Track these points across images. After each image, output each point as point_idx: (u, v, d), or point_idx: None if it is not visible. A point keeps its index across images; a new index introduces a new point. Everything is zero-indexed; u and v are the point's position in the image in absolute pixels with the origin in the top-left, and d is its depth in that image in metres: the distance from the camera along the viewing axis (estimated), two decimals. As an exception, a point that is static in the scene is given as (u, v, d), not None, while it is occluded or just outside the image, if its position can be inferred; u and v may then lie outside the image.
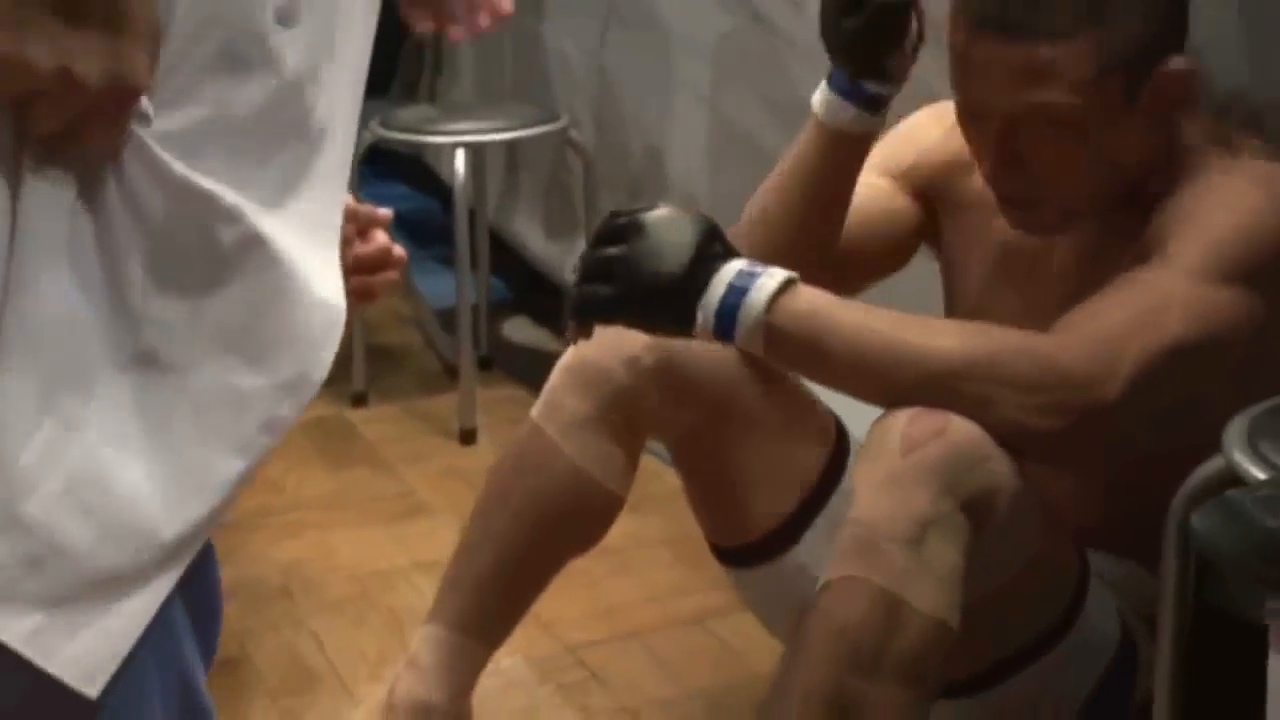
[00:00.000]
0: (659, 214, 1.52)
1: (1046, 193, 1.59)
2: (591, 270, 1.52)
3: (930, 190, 1.79)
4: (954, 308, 1.80)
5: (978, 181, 1.69)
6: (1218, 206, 1.53)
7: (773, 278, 1.49)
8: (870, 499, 1.44)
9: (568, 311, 1.56)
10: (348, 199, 1.19)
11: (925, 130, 1.77)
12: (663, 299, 1.49)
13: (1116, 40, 1.52)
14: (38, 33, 0.81)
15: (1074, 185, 1.58)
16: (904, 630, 1.42)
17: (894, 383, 1.47)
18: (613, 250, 1.51)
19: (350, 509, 2.65)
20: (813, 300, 1.50)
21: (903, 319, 1.50)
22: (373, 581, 2.41)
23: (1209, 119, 1.66)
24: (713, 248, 1.51)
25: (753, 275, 1.49)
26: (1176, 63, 1.55)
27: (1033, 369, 1.46)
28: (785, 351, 1.50)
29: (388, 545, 2.51)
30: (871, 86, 1.66)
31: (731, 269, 1.49)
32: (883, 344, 1.48)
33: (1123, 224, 1.61)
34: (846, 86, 1.66)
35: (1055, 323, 1.51)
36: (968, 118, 1.61)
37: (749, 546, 1.74)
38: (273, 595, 2.34)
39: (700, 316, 1.48)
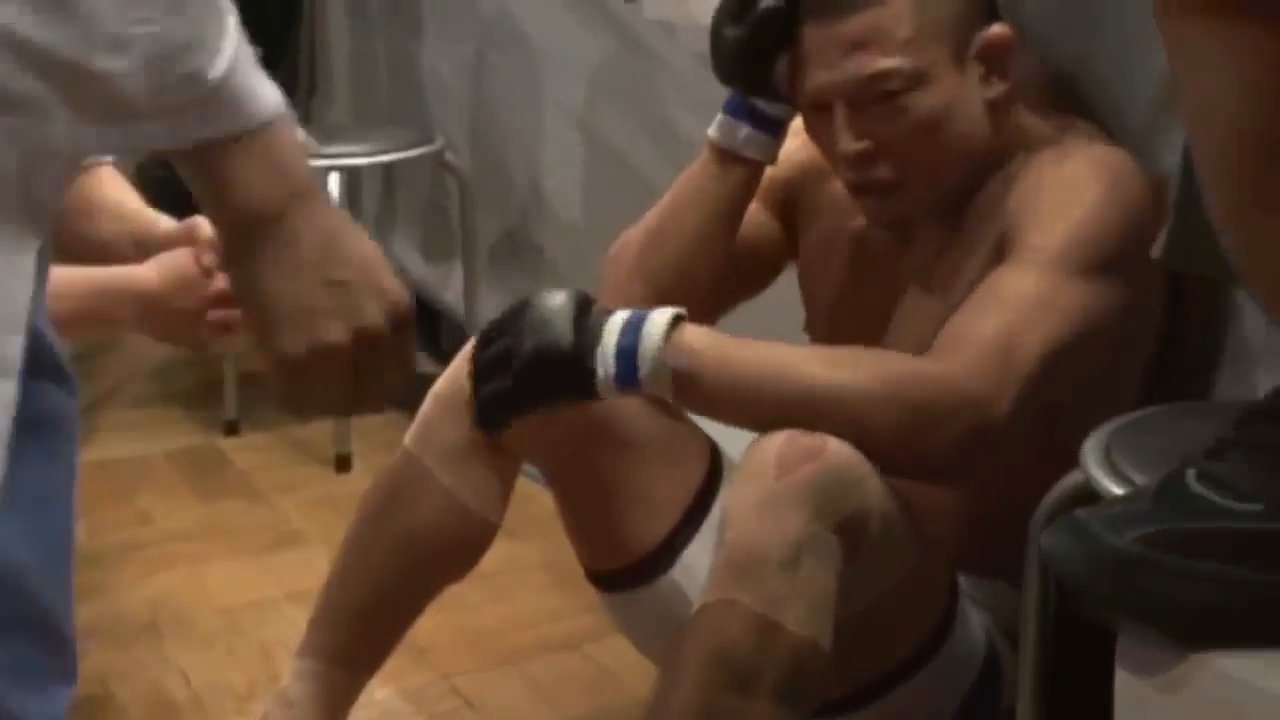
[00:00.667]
0: (530, 299, 1.55)
1: (897, 176, 1.62)
2: (485, 370, 1.55)
3: (788, 201, 1.81)
4: (813, 312, 1.82)
5: (831, 187, 1.71)
6: (1066, 200, 1.56)
7: (661, 315, 1.52)
8: (745, 521, 1.45)
9: (474, 421, 1.59)
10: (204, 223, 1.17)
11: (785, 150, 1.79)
12: (560, 369, 1.51)
13: (931, 3, 1.58)
14: (323, 315, 0.89)
15: (922, 163, 1.61)
16: (778, 652, 1.43)
17: (792, 414, 1.49)
18: (499, 344, 1.54)
19: (221, 540, 2.61)
20: (703, 336, 1.52)
21: (797, 350, 1.53)
22: (244, 614, 2.37)
23: (1044, 108, 1.69)
24: (590, 307, 1.54)
25: (642, 317, 1.52)
26: (997, 28, 1.60)
27: (927, 394, 1.49)
28: (686, 389, 1.52)
29: (259, 576, 2.48)
30: (763, 105, 1.67)
31: (618, 319, 1.52)
32: (780, 376, 1.50)
33: (971, 218, 1.64)
34: (739, 106, 1.67)
35: (940, 336, 1.53)
36: (813, 112, 1.64)
37: (624, 570, 1.74)
38: (139, 631, 2.30)
39: (600, 372, 1.50)
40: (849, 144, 1.61)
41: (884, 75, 1.57)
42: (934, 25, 1.58)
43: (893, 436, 1.48)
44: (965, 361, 1.49)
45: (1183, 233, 1.09)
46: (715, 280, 1.72)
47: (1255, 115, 0.60)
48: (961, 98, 1.60)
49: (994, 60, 1.61)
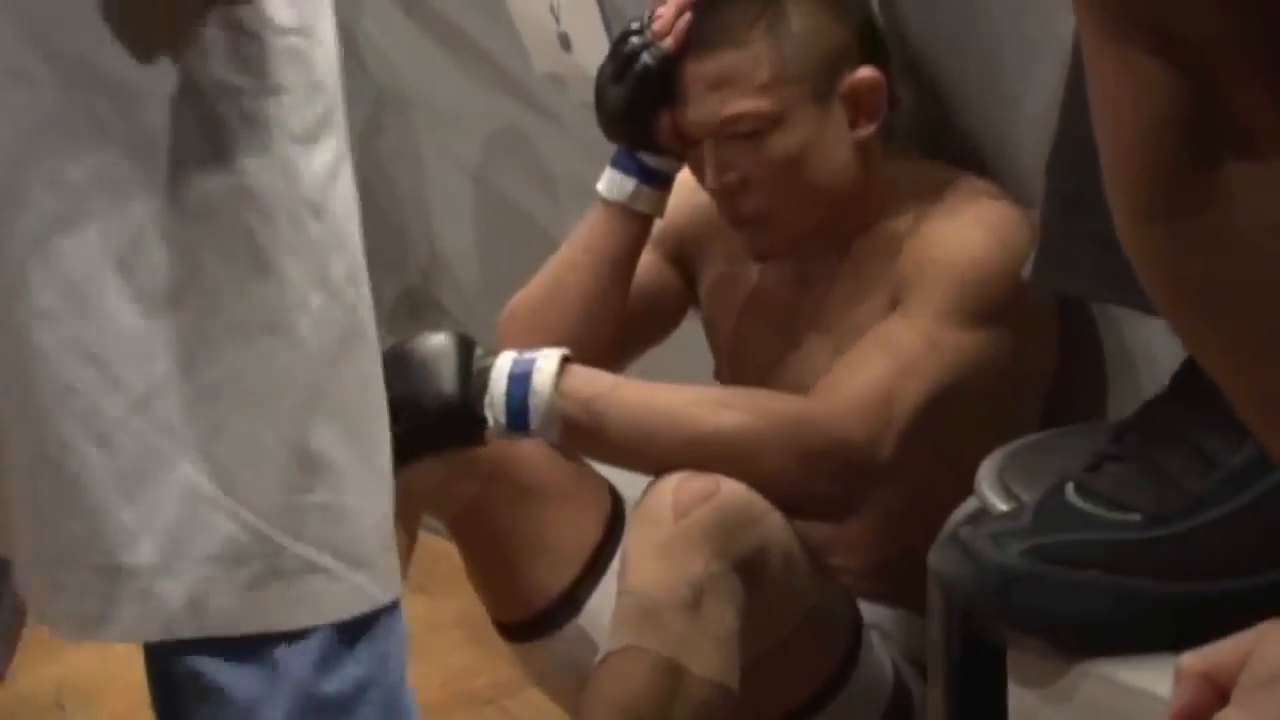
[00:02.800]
0: (410, 343, 1.56)
1: (766, 208, 1.64)
2: None
3: (684, 249, 1.82)
4: (718, 357, 1.83)
5: (727, 232, 1.73)
6: (953, 253, 1.59)
7: (549, 359, 1.53)
8: (644, 566, 1.46)
9: None
10: None
11: (677, 198, 1.81)
12: (449, 416, 1.51)
13: (792, 46, 1.61)
14: None
15: (786, 197, 1.64)
16: (686, 696, 1.44)
17: (682, 457, 1.50)
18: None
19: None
20: (592, 380, 1.53)
21: (685, 393, 1.55)
22: (157, 688, 2.34)
23: (930, 160, 1.73)
24: (475, 351, 1.54)
25: (529, 361, 1.52)
26: (865, 71, 1.63)
27: (813, 437, 1.51)
28: (576, 433, 1.53)
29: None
30: (649, 159, 1.69)
31: (504, 362, 1.53)
32: (670, 420, 1.52)
33: (863, 266, 1.67)
34: (627, 161, 1.70)
35: (824, 380, 1.56)
36: (691, 148, 1.67)
37: (530, 620, 1.74)
38: (44, 712, 2.26)
39: (489, 418, 1.51)
40: (714, 179, 1.64)
41: (738, 118, 1.61)
42: (794, 67, 1.61)
43: (781, 477, 1.50)
44: (848, 405, 1.53)
45: (1050, 254, 1.12)
46: (613, 335, 1.74)
47: (1150, 127, 0.63)
48: (824, 138, 1.63)
49: (861, 102, 1.64)
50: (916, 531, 1.57)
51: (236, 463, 0.98)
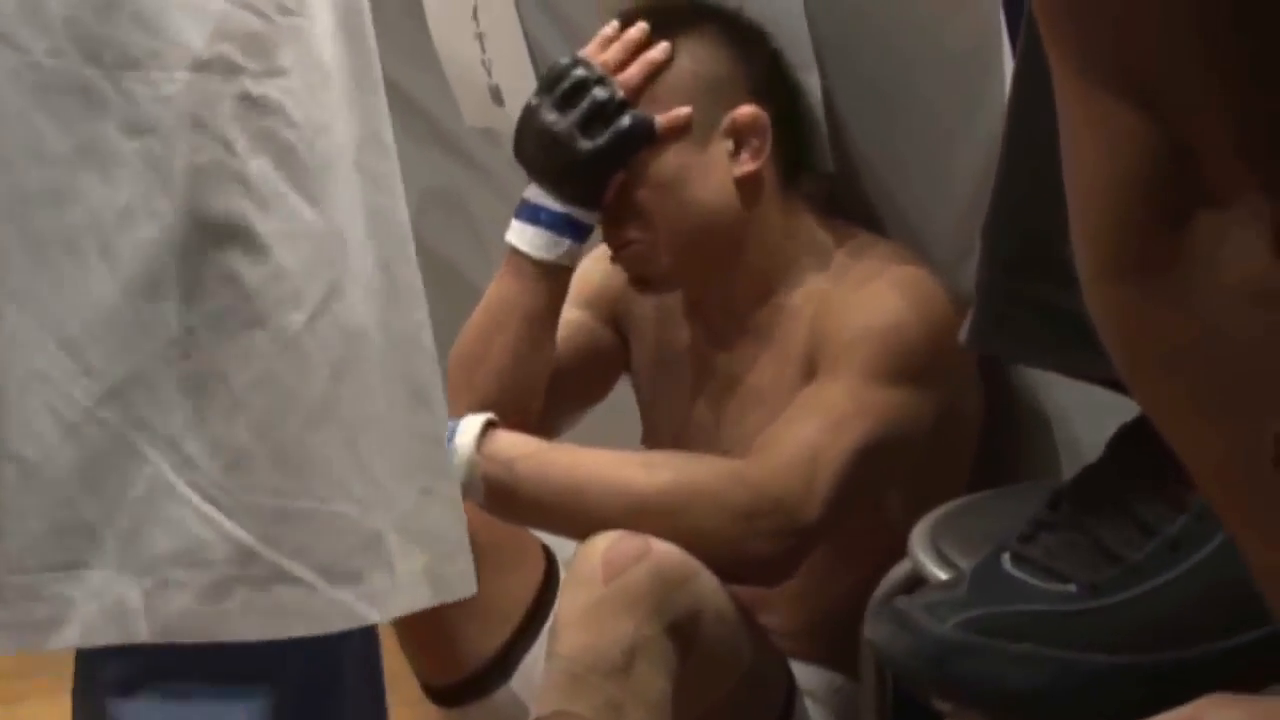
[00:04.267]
0: None
1: (642, 234, 1.65)
2: None
3: (618, 311, 1.82)
4: (647, 422, 1.83)
5: (649, 306, 1.74)
6: (872, 317, 1.61)
7: (472, 423, 1.52)
8: (574, 629, 1.44)
9: None
10: None
11: (604, 260, 1.80)
12: None
13: (673, 76, 1.64)
14: None
15: (662, 224, 1.65)
16: None
17: (610, 520, 1.49)
18: None
19: (46, 675, 2.52)
20: (516, 443, 1.53)
21: (612, 455, 1.55)
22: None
23: (845, 223, 1.74)
24: None
25: (452, 428, 1.51)
26: (746, 108, 1.63)
27: (744, 496, 1.52)
28: (501, 497, 1.52)
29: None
30: (581, 214, 1.67)
31: None
32: (598, 482, 1.51)
33: (780, 331, 1.68)
34: (553, 217, 1.66)
35: (754, 443, 1.56)
36: None
37: (460, 683, 1.72)
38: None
39: None
40: (604, 219, 1.66)
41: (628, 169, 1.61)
42: (669, 93, 1.62)
43: (712, 537, 1.50)
44: (775, 467, 1.53)
45: (988, 318, 1.10)
46: (545, 391, 1.72)
47: (1121, 181, 0.62)
48: (700, 166, 1.64)
49: (742, 138, 1.63)
50: (844, 591, 1.61)
51: (209, 461, 0.93)
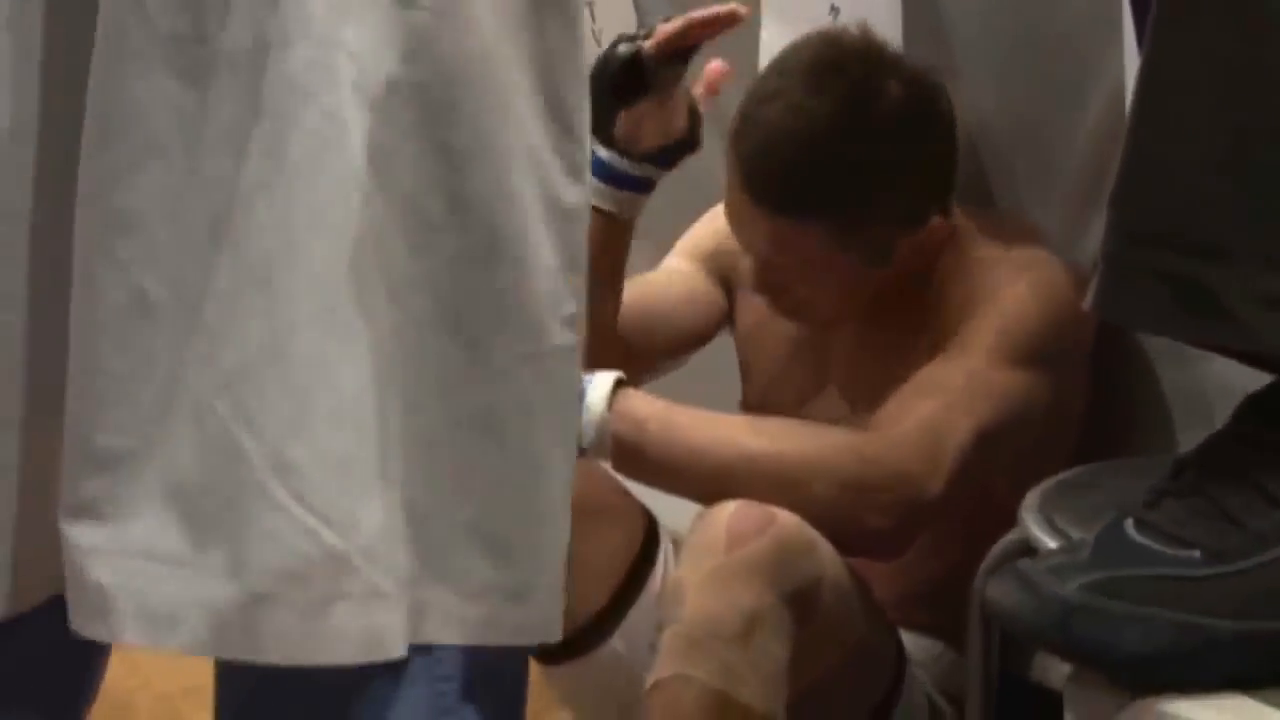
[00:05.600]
0: None
1: (808, 307, 1.68)
2: None
3: (727, 272, 1.83)
4: (748, 386, 1.84)
5: None
6: (994, 301, 1.62)
7: (604, 380, 1.53)
8: (697, 596, 1.46)
9: None
10: None
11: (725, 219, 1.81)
12: None
13: (852, 227, 1.62)
14: None
15: (832, 308, 1.68)
16: None
17: (734, 487, 1.51)
18: None
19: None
20: (646, 403, 1.54)
21: (739, 420, 1.57)
22: (185, 701, 2.33)
23: (974, 208, 1.74)
24: None
25: (584, 381, 1.52)
26: (934, 224, 1.65)
27: (865, 470, 1.53)
28: (629, 456, 1.53)
29: (202, 659, 2.43)
30: (601, 151, 1.66)
31: None
32: (721, 446, 1.53)
33: (902, 312, 1.69)
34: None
35: (874, 417, 1.58)
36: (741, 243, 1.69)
37: (565, 641, 1.72)
38: None
39: None
40: (759, 285, 1.69)
41: (790, 269, 1.64)
42: (850, 243, 1.63)
43: (833, 509, 1.51)
44: (900, 440, 1.54)
45: (1112, 286, 1.10)
46: (614, 344, 1.72)
47: None
48: (875, 278, 1.66)
49: (925, 251, 1.66)
50: (949, 562, 1.62)
51: (313, 469, 0.87)
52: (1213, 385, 1.56)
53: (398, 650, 0.91)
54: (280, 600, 0.88)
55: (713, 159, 1.73)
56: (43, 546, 0.94)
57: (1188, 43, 1.06)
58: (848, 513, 1.52)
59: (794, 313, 1.70)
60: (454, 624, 0.94)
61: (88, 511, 0.90)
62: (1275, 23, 1.02)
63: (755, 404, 1.83)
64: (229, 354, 0.87)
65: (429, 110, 0.90)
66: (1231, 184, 1.05)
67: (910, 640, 1.71)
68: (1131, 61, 1.40)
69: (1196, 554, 1.04)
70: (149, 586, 0.89)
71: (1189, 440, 1.16)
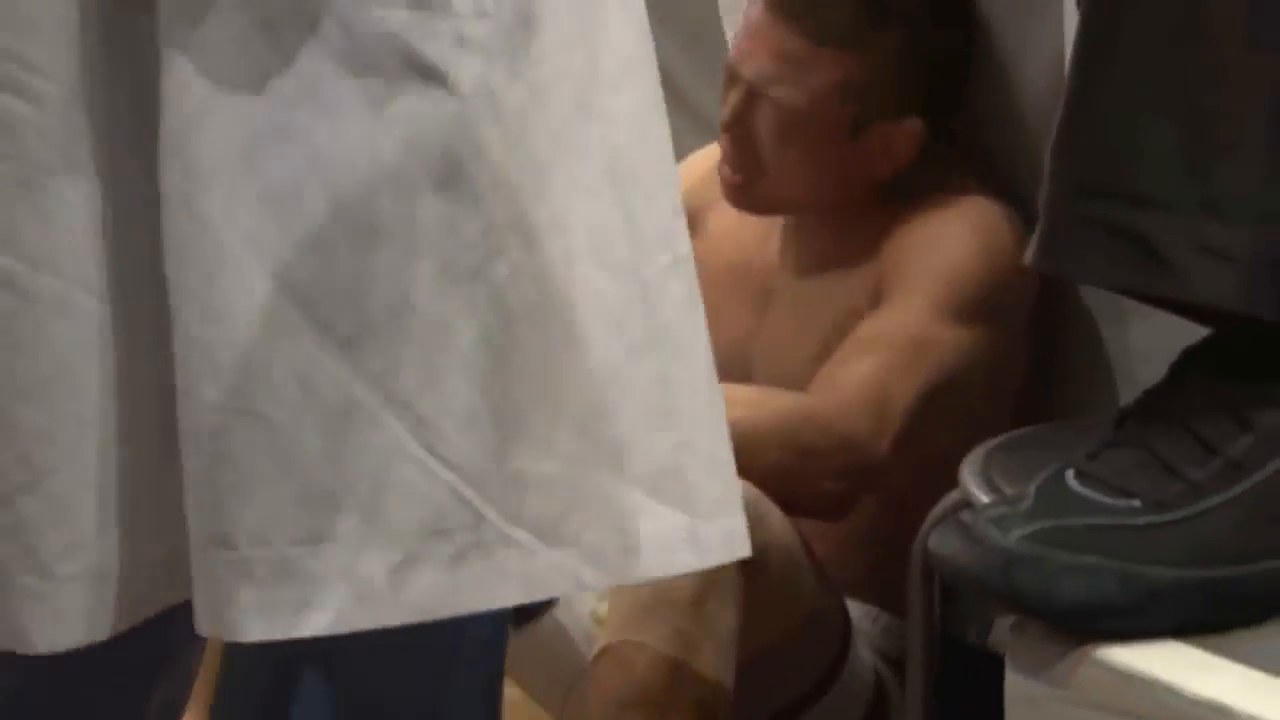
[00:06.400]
0: None
1: (763, 172, 1.66)
2: None
3: (695, 217, 1.82)
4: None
5: (722, 214, 1.75)
6: (939, 252, 1.63)
7: None
8: None
9: None
10: None
11: (693, 165, 1.82)
12: None
13: (864, 73, 1.62)
14: None
15: (787, 178, 1.66)
16: (683, 694, 1.44)
17: None
18: None
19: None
20: None
21: None
22: None
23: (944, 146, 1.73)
24: None
25: None
26: (911, 123, 1.63)
27: (816, 434, 1.54)
28: None
29: None
30: None
31: None
32: None
33: (846, 255, 1.68)
34: None
35: (819, 374, 1.57)
36: (726, 78, 1.68)
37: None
38: None
39: None
40: (729, 122, 1.67)
41: (780, 102, 1.63)
42: (853, 92, 1.63)
43: (783, 475, 1.51)
44: (845, 402, 1.55)
45: (1055, 239, 1.10)
46: None
47: None
48: (846, 158, 1.66)
49: (892, 153, 1.65)
50: (889, 526, 1.62)
51: (442, 422, 0.87)
52: (1154, 344, 1.52)
53: (545, 591, 0.91)
54: (427, 559, 0.87)
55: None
56: (155, 554, 0.92)
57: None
58: (798, 477, 1.52)
59: (747, 176, 1.67)
60: (697, 549, 0.95)
61: (192, 498, 0.87)
62: None
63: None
64: (349, 317, 0.86)
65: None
66: (1168, 130, 1.04)
67: (852, 607, 1.71)
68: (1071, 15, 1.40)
69: (1137, 503, 1.04)
70: (265, 573, 0.86)
71: (1128, 398, 1.16)
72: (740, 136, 1.65)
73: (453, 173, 0.87)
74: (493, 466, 0.88)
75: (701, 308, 0.98)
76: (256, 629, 0.86)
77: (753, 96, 1.64)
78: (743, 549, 1.00)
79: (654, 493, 0.93)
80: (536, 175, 0.90)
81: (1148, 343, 1.57)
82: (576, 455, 0.91)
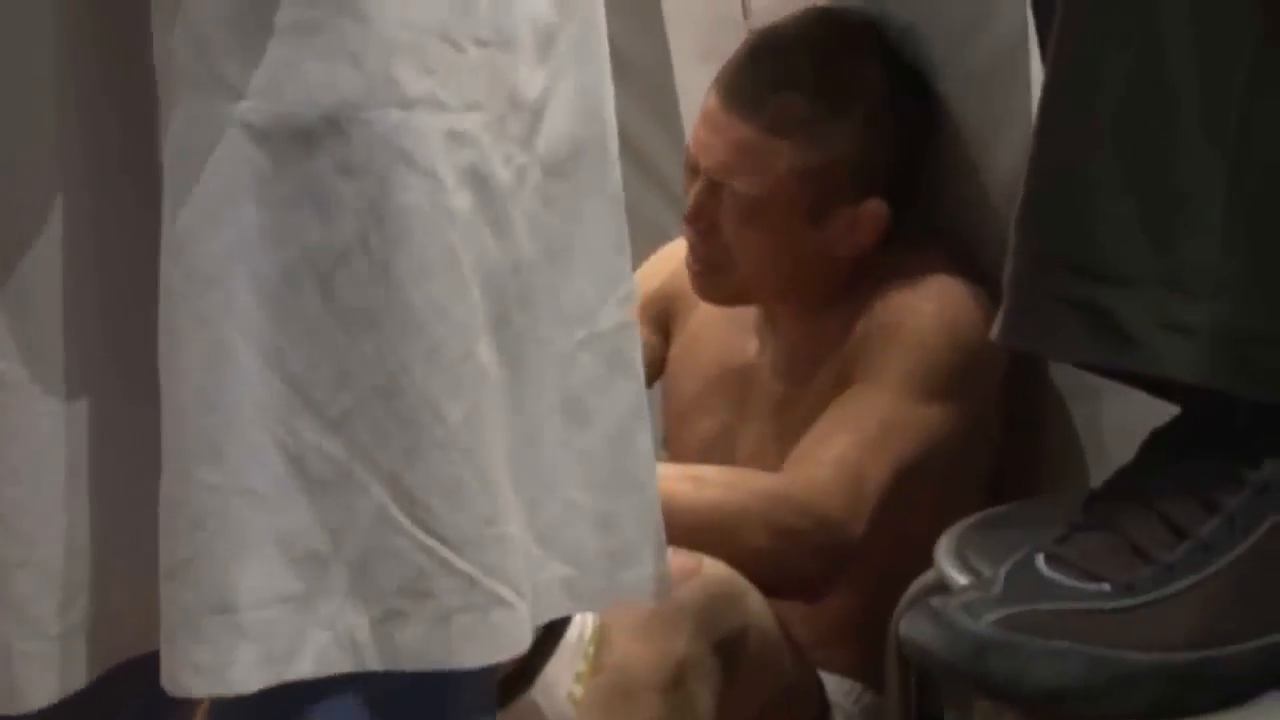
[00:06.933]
0: None
1: (729, 263, 1.66)
2: None
3: (666, 313, 1.86)
4: (668, 420, 1.86)
5: (701, 312, 1.75)
6: (904, 326, 1.63)
7: None
8: (624, 643, 1.46)
9: None
10: None
11: (662, 263, 1.85)
12: None
13: (822, 160, 1.63)
14: None
15: (751, 267, 1.67)
16: None
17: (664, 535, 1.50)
18: None
19: None
20: None
21: (666, 471, 1.55)
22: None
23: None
24: None
25: None
26: (873, 205, 1.64)
27: (791, 515, 1.54)
28: None
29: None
30: None
31: None
32: None
33: (818, 338, 1.69)
34: None
35: (791, 455, 1.58)
36: (688, 170, 1.69)
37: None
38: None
39: None
40: (692, 214, 1.67)
41: (739, 192, 1.64)
42: (808, 176, 1.64)
43: (759, 556, 1.52)
44: (821, 484, 1.55)
45: (1020, 314, 1.10)
46: None
47: None
48: (809, 241, 1.66)
49: (855, 237, 1.66)
50: (866, 603, 1.63)
51: (428, 494, 0.93)
52: (1125, 421, 1.49)
53: (526, 643, 0.97)
54: (408, 615, 0.94)
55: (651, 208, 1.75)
56: (123, 607, 0.99)
57: (1085, 59, 1.06)
58: (774, 559, 1.53)
59: (713, 268, 1.67)
60: (573, 596, 1.02)
61: (187, 569, 0.93)
62: (1169, 40, 1.03)
63: (675, 425, 1.83)
64: (340, 398, 0.92)
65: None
66: (1130, 204, 1.05)
67: (829, 681, 1.71)
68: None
69: (1107, 587, 1.04)
70: (261, 630, 0.93)
71: (1101, 477, 1.15)
72: (704, 229, 1.66)
73: (445, 262, 0.93)
74: (482, 532, 0.95)
75: (620, 381, 1.03)
76: (251, 679, 0.93)
77: (714, 187, 1.65)
78: (641, 596, 1.07)
79: (544, 545, 1.01)
80: (516, 260, 0.97)
81: (1119, 418, 1.58)
82: (514, 513, 0.98)
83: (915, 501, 1.61)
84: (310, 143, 0.91)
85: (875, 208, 1.65)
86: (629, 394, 1.04)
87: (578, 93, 1.00)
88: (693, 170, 1.68)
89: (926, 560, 1.41)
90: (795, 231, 1.65)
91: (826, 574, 1.56)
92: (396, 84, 0.92)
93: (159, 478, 0.94)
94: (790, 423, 1.66)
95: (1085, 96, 1.07)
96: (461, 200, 0.93)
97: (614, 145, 1.03)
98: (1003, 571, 1.07)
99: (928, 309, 1.64)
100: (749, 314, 1.76)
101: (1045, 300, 1.08)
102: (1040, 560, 1.07)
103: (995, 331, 1.11)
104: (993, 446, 1.71)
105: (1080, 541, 1.07)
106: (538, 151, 0.98)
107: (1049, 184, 1.09)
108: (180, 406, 0.92)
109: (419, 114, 0.92)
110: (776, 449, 1.65)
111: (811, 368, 1.69)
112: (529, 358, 0.99)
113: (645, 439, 1.06)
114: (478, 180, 0.94)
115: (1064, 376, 1.67)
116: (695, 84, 1.83)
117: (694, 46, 1.92)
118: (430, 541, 0.94)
